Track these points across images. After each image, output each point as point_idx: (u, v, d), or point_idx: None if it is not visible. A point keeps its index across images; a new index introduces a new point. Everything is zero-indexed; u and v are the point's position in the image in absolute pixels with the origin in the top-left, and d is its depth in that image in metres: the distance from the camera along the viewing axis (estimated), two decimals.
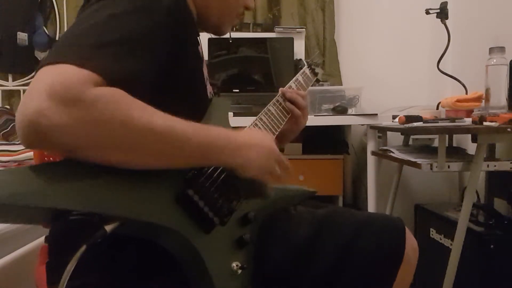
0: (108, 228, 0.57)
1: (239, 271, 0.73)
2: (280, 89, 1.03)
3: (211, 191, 0.71)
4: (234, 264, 0.73)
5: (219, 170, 0.73)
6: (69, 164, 0.55)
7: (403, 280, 0.85)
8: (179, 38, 0.69)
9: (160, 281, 0.68)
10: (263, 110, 0.96)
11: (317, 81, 1.20)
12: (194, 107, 0.76)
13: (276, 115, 0.98)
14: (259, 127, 0.92)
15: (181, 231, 0.64)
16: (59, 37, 0.63)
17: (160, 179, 0.63)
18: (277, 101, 1.01)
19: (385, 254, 0.83)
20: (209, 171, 0.71)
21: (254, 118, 0.94)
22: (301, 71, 1.13)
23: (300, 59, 1.16)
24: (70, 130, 0.52)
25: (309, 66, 1.15)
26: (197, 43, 0.77)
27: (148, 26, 0.62)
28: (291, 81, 1.07)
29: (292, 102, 1.02)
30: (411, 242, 0.87)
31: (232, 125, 0.87)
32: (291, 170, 0.82)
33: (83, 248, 0.55)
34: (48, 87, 0.51)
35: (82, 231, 0.56)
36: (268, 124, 0.94)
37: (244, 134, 0.74)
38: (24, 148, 1.92)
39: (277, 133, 0.96)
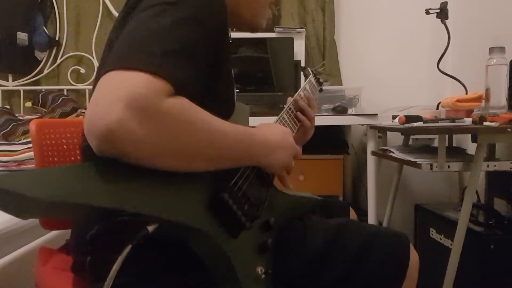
0: (150, 228, 0.58)
1: (263, 276, 0.74)
2: (293, 98, 1.05)
3: (240, 195, 0.72)
4: (258, 269, 0.74)
5: (245, 175, 0.76)
6: (109, 165, 0.55)
7: None
8: (222, 45, 0.71)
9: (185, 279, 0.70)
10: (278, 117, 0.97)
11: (320, 90, 1.22)
12: (224, 113, 0.78)
13: (289, 123, 1.00)
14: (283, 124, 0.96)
15: (213, 235, 0.65)
16: (120, 38, 0.64)
17: (192, 183, 0.64)
18: (290, 108, 1.02)
19: (391, 267, 0.86)
20: (237, 176, 0.73)
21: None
22: (307, 80, 1.15)
23: (305, 68, 1.18)
24: (149, 141, 0.54)
25: (315, 75, 1.18)
26: (229, 51, 0.79)
27: (204, 34, 0.64)
28: (299, 90, 1.08)
29: (303, 112, 1.05)
30: (413, 256, 0.90)
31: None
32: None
33: (129, 248, 0.56)
34: (126, 97, 0.52)
35: (127, 231, 0.57)
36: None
37: (275, 134, 0.80)
38: (24, 148, 1.93)
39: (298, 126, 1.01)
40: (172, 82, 0.57)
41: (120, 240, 0.56)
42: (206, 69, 0.66)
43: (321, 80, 1.21)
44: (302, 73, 1.16)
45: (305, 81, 1.14)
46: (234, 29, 0.91)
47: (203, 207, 0.65)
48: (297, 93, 1.06)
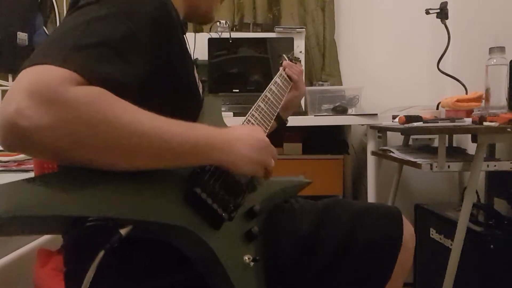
0: (123, 231, 0.57)
1: (252, 263, 0.75)
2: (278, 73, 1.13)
3: (216, 188, 0.71)
4: (246, 257, 0.75)
5: (220, 169, 0.74)
6: (75, 172, 0.55)
7: (403, 264, 0.87)
8: (163, 42, 0.68)
9: (172, 280, 0.69)
10: (260, 97, 1.01)
11: (296, 59, 1.28)
12: (188, 108, 0.77)
13: (277, 92, 1.07)
14: (252, 123, 0.93)
15: (193, 229, 0.65)
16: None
17: (165, 180, 0.64)
18: (275, 81, 1.10)
19: (385, 239, 0.86)
20: (211, 169, 0.72)
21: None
22: (282, 61, 1.21)
23: (280, 55, 1.22)
24: (52, 130, 0.50)
25: (290, 60, 1.22)
26: (184, 43, 0.77)
27: (129, 31, 0.61)
28: (275, 77, 1.15)
29: (289, 74, 1.14)
30: (408, 228, 0.90)
31: (231, 125, 0.87)
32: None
33: (101, 253, 0.55)
34: (27, 86, 0.51)
35: (98, 236, 0.55)
36: (271, 105, 1.03)
37: (233, 130, 0.74)
38: None
39: (276, 114, 1.03)
40: (81, 72, 0.54)
41: (92, 247, 0.55)
42: (143, 64, 0.63)
43: (298, 58, 1.28)
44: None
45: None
46: (188, 21, 0.92)
47: (181, 203, 0.65)
48: (273, 80, 1.13)
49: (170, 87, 0.71)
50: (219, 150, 0.68)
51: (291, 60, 1.22)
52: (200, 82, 0.86)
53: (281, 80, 1.12)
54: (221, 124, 0.87)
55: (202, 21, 0.96)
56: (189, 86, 0.78)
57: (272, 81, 1.10)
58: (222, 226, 0.71)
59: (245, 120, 0.92)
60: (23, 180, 0.52)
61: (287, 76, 1.13)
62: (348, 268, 0.85)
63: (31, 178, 0.53)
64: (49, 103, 0.50)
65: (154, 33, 0.65)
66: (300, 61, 1.28)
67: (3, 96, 2.48)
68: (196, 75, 0.84)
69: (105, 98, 0.55)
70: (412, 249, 0.91)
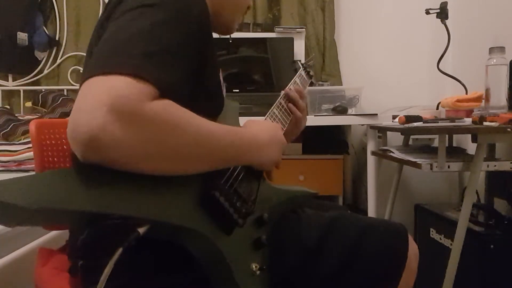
0: (141, 230, 0.57)
1: (258, 272, 0.75)
2: (283, 90, 1.07)
3: (231, 193, 0.72)
4: (253, 265, 0.74)
5: (236, 173, 0.75)
6: (96, 169, 0.55)
7: (405, 283, 0.86)
8: (207, 45, 0.70)
9: (177, 280, 0.70)
10: (268, 113, 0.98)
11: (311, 84, 1.24)
12: (212, 109, 0.78)
13: (280, 117, 1.01)
14: None
15: (207, 234, 0.65)
16: (99, 44, 0.64)
17: (182, 182, 0.64)
18: (280, 103, 1.04)
19: (389, 258, 0.85)
20: (227, 173, 0.73)
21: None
22: (298, 73, 1.17)
23: (294, 61, 1.21)
24: (134, 145, 0.52)
25: (305, 68, 1.20)
26: (214, 47, 0.79)
27: (185, 35, 0.63)
28: (290, 83, 1.10)
29: (294, 103, 1.06)
30: (413, 247, 0.89)
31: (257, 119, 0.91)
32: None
33: (120, 251, 0.56)
34: (109, 101, 0.51)
35: (118, 234, 0.56)
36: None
37: (265, 132, 0.80)
38: (24, 148, 1.93)
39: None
40: (155, 83, 0.55)
41: (111, 244, 0.56)
42: (192, 69, 0.65)
43: (311, 73, 1.23)
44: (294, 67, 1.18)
45: (295, 75, 1.16)
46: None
47: (195, 206, 0.65)
48: (288, 86, 1.08)
49: (200, 88, 0.72)
50: (254, 152, 0.75)
51: (305, 68, 1.21)
52: (223, 83, 0.88)
53: (283, 107, 1.06)
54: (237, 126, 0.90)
55: (221, 31, 0.96)
56: (216, 87, 0.80)
57: (276, 102, 1.05)
58: (233, 231, 0.71)
59: (268, 114, 0.97)
60: (47, 173, 0.54)
61: (290, 110, 1.06)
62: (350, 283, 0.84)
63: (55, 171, 0.55)
64: (131, 118, 0.52)
65: (201, 36, 0.68)
66: (312, 69, 1.25)
67: (3, 96, 2.49)
68: (221, 77, 0.85)
69: (176, 111, 0.57)
70: (415, 270, 0.91)
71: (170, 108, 0.56)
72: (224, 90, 0.88)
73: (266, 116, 0.97)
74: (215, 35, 0.92)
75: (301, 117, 1.07)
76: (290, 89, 1.08)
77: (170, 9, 0.63)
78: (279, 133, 0.84)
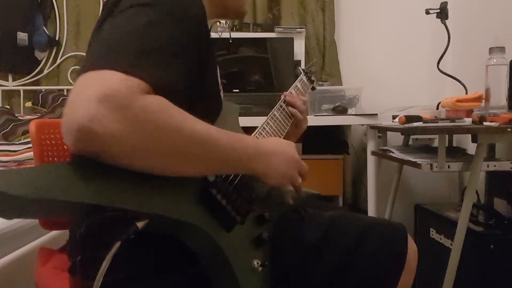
0: (140, 224, 0.58)
1: (260, 268, 0.76)
2: (283, 93, 1.09)
3: (231, 191, 0.72)
4: (255, 262, 0.75)
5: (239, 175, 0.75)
6: (96, 162, 0.55)
7: (405, 283, 0.87)
8: (205, 46, 0.70)
9: (180, 276, 0.70)
10: (269, 115, 1.00)
11: (313, 89, 1.26)
12: (210, 110, 0.78)
13: (281, 119, 1.03)
14: (267, 131, 0.97)
15: (206, 229, 0.66)
16: (96, 42, 0.65)
17: (182, 179, 0.64)
18: (281, 106, 1.06)
19: (389, 257, 0.86)
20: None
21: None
22: (299, 78, 1.19)
23: (296, 67, 1.23)
24: (124, 138, 0.52)
25: (306, 73, 1.21)
26: (213, 46, 0.79)
27: (182, 34, 0.64)
28: (291, 88, 1.13)
29: (294, 106, 1.08)
30: (412, 246, 0.90)
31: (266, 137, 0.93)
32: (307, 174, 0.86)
33: (118, 244, 0.56)
34: (99, 93, 0.51)
35: (116, 227, 0.57)
36: (276, 129, 1.00)
37: (270, 143, 0.78)
38: (24, 148, 1.93)
39: (283, 137, 1.00)
40: (148, 80, 0.56)
41: (109, 237, 0.56)
42: (188, 69, 0.65)
43: (312, 78, 1.25)
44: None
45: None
46: (220, 20, 0.93)
47: (195, 201, 0.66)
48: (288, 90, 1.11)
49: (198, 88, 0.72)
50: (257, 161, 0.72)
51: (306, 74, 1.22)
52: (221, 84, 0.88)
53: (283, 111, 1.08)
54: (237, 129, 0.91)
55: (234, 16, 0.97)
56: (215, 87, 0.80)
57: (276, 106, 1.06)
58: (233, 228, 0.71)
59: (259, 128, 0.95)
60: (46, 165, 0.53)
61: (290, 113, 1.08)
62: (350, 282, 0.84)
63: (54, 164, 0.55)
64: (122, 111, 0.52)
65: (199, 36, 0.67)
66: (314, 74, 1.27)
67: (3, 96, 2.49)
68: (219, 77, 0.85)
69: (169, 107, 0.57)
70: (414, 269, 0.91)
71: (163, 104, 0.56)
72: (222, 91, 0.89)
73: (267, 117, 0.99)
74: (215, 35, 0.92)
75: (301, 118, 1.09)
76: (291, 92, 1.10)
77: (166, 9, 0.64)
78: (288, 148, 0.80)
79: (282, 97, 1.08)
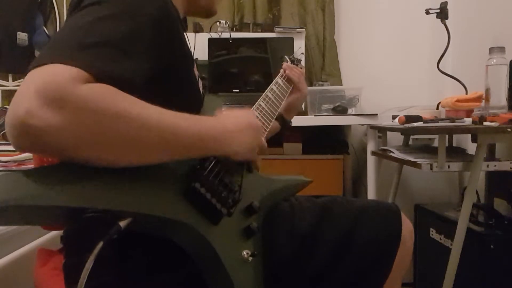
0: (122, 224, 0.57)
1: (250, 258, 0.76)
2: (279, 71, 1.17)
3: (215, 183, 0.72)
4: (244, 252, 0.75)
5: (219, 164, 0.74)
6: (74, 164, 0.55)
7: (401, 261, 0.88)
8: (165, 41, 0.69)
9: (170, 276, 0.70)
10: (268, 88, 1.07)
11: (298, 61, 1.32)
12: (189, 105, 0.77)
13: (278, 92, 1.10)
14: (269, 99, 1.03)
15: (191, 224, 0.66)
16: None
17: (164, 175, 0.64)
18: (276, 81, 1.13)
19: (383, 236, 0.87)
20: (210, 165, 0.73)
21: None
22: (284, 64, 1.22)
23: (282, 56, 1.24)
24: (64, 129, 0.51)
25: (292, 62, 1.23)
26: (185, 41, 0.78)
27: (131, 30, 0.62)
28: (276, 77, 1.17)
29: (290, 72, 1.16)
30: (407, 225, 0.92)
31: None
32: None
33: (100, 244, 0.55)
34: (37, 87, 0.51)
35: (97, 228, 0.56)
36: (274, 99, 1.07)
37: (231, 119, 0.75)
38: None
39: (276, 114, 1.06)
40: (88, 69, 0.54)
41: (91, 239, 0.55)
42: (146, 61, 0.63)
43: (299, 66, 1.28)
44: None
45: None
46: (191, 15, 0.95)
47: (179, 197, 0.65)
48: (274, 80, 1.16)
49: (171, 84, 0.72)
50: (221, 141, 0.69)
51: (292, 62, 1.23)
52: (200, 79, 0.87)
53: (282, 81, 1.15)
54: None
55: (205, 15, 0.97)
56: (190, 84, 0.79)
57: (273, 81, 1.11)
58: (220, 221, 0.71)
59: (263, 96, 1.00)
60: (22, 171, 0.53)
61: (287, 78, 1.15)
62: (346, 266, 0.85)
63: (30, 169, 0.54)
64: (60, 102, 0.50)
65: (156, 32, 0.66)
66: (301, 62, 1.30)
67: (3, 96, 2.49)
68: (196, 72, 0.85)
69: (113, 93, 0.55)
70: (411, 247, 0.92)
71: (107, 92, 0.54)
72: (201, 85, 0.88)
73: (267, 90, 1.06)
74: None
75: (298, 81, 1.16)
76: (277, 82, 1.15)
77: (118, 6, 0.63)
78: (251, 119, 0.79)
79: (280, 71, 1.16)
